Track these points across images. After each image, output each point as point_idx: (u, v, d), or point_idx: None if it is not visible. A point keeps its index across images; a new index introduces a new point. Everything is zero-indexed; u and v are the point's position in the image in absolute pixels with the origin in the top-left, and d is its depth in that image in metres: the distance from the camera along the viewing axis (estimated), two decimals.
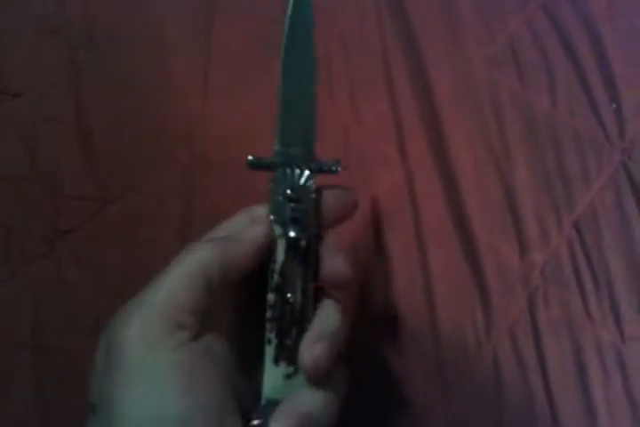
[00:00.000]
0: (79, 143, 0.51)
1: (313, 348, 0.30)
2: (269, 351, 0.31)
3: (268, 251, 0.32)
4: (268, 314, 0.31)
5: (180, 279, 0.29)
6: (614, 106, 0.54)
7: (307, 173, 0.33)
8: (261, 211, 0.33)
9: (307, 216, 0.32)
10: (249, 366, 0.32)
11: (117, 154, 0.51)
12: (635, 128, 0.53)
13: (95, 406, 0.27)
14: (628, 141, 0.52)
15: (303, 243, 0.32)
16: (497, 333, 0.46)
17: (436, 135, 0.53)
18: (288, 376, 0.31)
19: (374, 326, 0.46)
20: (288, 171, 0.33)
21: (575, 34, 0.56)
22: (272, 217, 0.32)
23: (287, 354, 0.31)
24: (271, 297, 0.31)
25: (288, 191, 0.32)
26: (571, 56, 0.56)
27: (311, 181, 0.33)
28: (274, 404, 0.29)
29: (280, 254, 0.32)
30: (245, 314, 0.33)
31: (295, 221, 0.32)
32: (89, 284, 0.46)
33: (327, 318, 0.31)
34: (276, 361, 0.31)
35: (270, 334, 0.31)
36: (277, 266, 0.32)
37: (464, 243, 0.48)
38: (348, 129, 0.54)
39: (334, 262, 0.32)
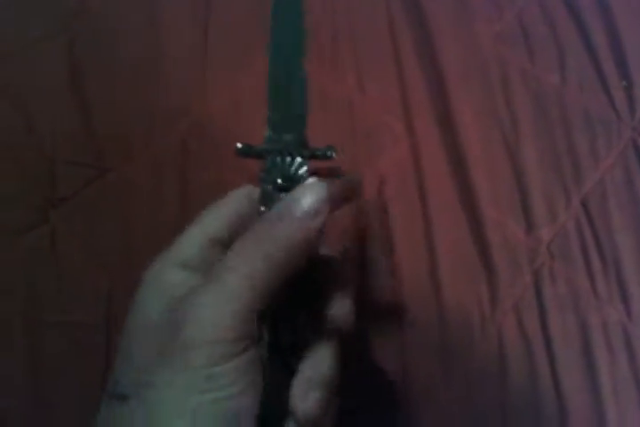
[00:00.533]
0: (75, 113, 0.49)
1: (306, 398, 0.27)
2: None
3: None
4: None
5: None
6: (625, 83, 0.53)
7: (298, 160, 0.30)
8: (251, 191, 0.31)
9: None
10: None
11: (114, 123, 0.50)
12: None
13: (125, 395, 0.25)
14: (638, 119, 0.51)
15: None
16: (502, 309, 0.45)
17: (444, 111, 0.52)
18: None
19: (378, 303, 0.45)
20: (279, 159, 0.30)
21: (586, 10, 0.55)
22: (262, 208, 0.29)
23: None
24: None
25: (279, 180, 0.29)
26: (581, 32, 0.55)
27: (304, 169, 0.30)
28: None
29: None
30: None
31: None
32: (84, 254, 0.45)
33: (321, 363, 0.28)
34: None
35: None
36: None
37: (470, 218, 0.47)
38: (354, 103, 0.52)
39: (344, 303, 0.29)
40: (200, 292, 0.25)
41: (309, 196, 0.27)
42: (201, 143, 0.50)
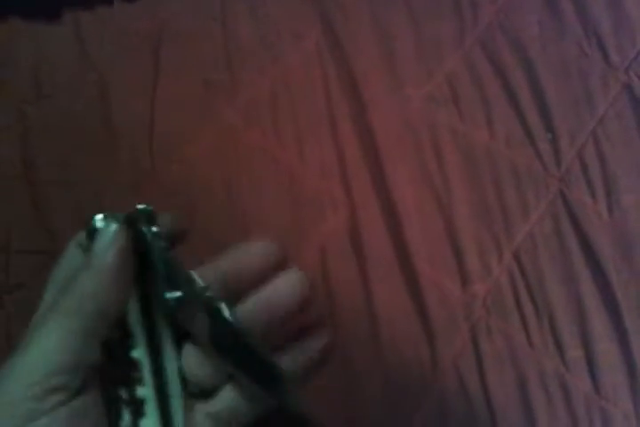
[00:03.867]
0: (26, 199, 0.52)
1: None
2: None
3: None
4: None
5: (52, 340, 0.25)
6: (550, 136, 0.55)
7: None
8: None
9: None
10: None
11: (66, 207, 0.52)
12: (570, 157, 0.54)
13: None
14: (564, 170, 0.54)
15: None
16: (442, 368, 0.47)
17: (379, 175, 0.54)
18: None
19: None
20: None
21: (511, 66, 0.58)
22: None
23: None
24: None
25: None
26: (507, 89, 0.58)
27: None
28: None
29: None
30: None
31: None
32: None
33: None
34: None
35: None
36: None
37: (407, 277, 0.50)
38: (294, 172, 0.55)
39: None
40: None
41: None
42: None
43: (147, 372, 0.27)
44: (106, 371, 0.26)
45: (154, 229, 0.26)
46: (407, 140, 0.56)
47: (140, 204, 0.26)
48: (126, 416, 0.26)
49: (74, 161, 0.54)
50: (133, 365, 0.27)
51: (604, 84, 0.58)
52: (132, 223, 0.26)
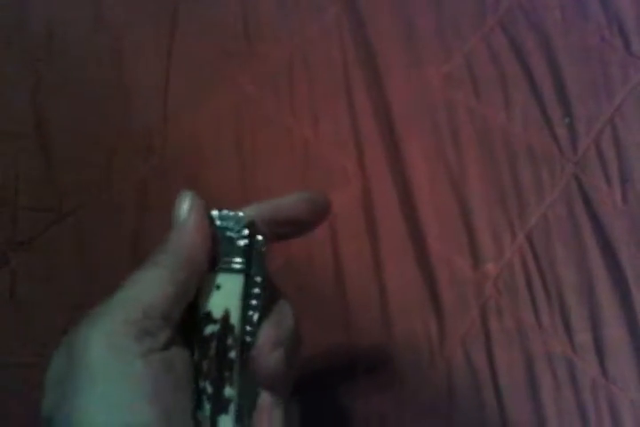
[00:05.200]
0: (37, 156, 0.51)
1: (271, 355, 0.30)
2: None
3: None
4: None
5: (151, 285, 0.28)
6: (568, 120, 0.55)
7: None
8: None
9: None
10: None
11: (75, 166, 0.51)
12: (587, 142, 0.54)
13: (49, 418, 0.26)
14: (580, 155, 0.53)
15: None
16: (450, 343, 0.46)
17: (394, 150, 0.54)
18: None
19: (328, 337, 0.46)
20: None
21: (531, 50, 0.58)
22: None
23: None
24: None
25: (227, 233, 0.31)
26: (526, 72, 0.57)
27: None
28: None
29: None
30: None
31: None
32: (43, 297, 0.46)
33: (283, 322, 0.31)
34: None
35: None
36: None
37: (419, 254, 0.49)
38: (308, 143, 0.54)
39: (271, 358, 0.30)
40: None
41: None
42: (160, 184, 0.52)
43: (236, 374, 0.29)
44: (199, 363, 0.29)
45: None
46: (423, 118, 0.55)
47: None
48: (207, 407, 0.28)
49: (85, 120, 0.54)
50: (228, 365, 0.29)
51: (624, 73, 0.57)
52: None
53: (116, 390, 0.25)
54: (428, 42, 0.59)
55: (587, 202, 0.51)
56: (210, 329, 0.29)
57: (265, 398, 0.30)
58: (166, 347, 0.27)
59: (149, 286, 0.28)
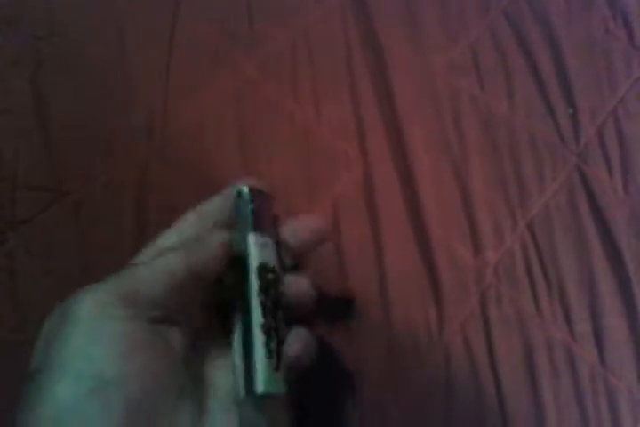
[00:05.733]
0: (37, 135, 0.51)
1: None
2: (259, 347, 0.32)
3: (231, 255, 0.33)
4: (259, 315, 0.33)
5: (148, 275, 0.31)
6: (571, 111, 0.55)
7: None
8: (208, 207, 0.36)
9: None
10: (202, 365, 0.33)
11: (75, 146, 0.51)
12: (590, 133, 0.54)
13: (35, 370, 0.28)
14: (583, 146, 0.53)
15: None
16: (449, 329, 0.46)
17: (396, 136, 0.53)
18: (276, 369, 0.32)
19: (328, 321, 0.46)
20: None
21: (535, 39, 0.58)
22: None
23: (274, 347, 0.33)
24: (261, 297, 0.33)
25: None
26: (530, 61, 0.57)
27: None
28: (268, 396, 0.32)
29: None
30: (211, 315, 0.35)
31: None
32: (41, 274, 0.46)
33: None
34: (270, 355, 0.32)
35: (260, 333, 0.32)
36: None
37: (419, 240, 0.49)
38: (311, 129, 0.54)
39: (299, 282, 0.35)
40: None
41: None
42: (161, 165, 0.52)
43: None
44: None
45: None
46: (426, 105, 0.55)
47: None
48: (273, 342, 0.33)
49: (86, 100, 0.53)
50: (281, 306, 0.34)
51: (628, 65, 0.58)
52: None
53: (96, 344, 0.28)
54: (432, 30, 0.59)
55: (588, 192, 0.51)
56: (270, 276, 0.33)
57: None
58: (153, 321, 0.30)
59: (145, 277, 0.31)
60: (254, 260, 0.33)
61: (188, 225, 0.35)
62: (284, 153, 0.53)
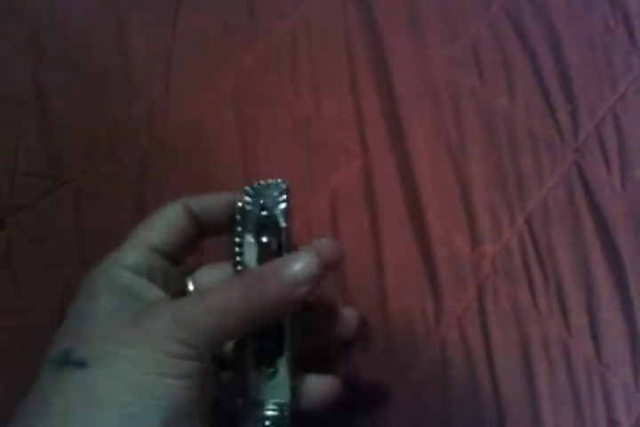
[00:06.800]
0: (37, 123, 0.51)
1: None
2: (249, 354, 0.33)
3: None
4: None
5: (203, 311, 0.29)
6: (570, 107, 0.55)
7: (277, 181, 0.35)
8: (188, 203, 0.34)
9: (278, 221, 0.34)
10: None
11: (75, 135, 0.51)
12: (588, 129, 0.54)
13: (83, 362, 0.27)
14: (581, 142, 0.53)
15: (274, 246, 0.33)
16: (446, 322, 0.46)
17: (396, 129, 0.53)
18: (269, 378, 0.33)
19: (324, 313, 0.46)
20: (262, 182, 0.35)
21: (535, 35, 0.58)
22: (239, 228, 0.34)
23: (267, 357, 0.33)
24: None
25: (261, 200, 0.34)
26: (530, 57, 0.57)
27: (282, 189, 0.34)
28: (259, 404, 0.32)
29: (252, 261, 0.33)
30: None
31: (266, 227, 0.33)
32: (39, 261, 0.46)
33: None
34: (258, 364, 0.33)
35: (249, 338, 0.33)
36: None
37: (418, 232, 0.49)
38: (310, 121, 0.54)
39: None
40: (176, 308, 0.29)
41: (301, 265, 0.30)
42: (160, 156, 0.52)
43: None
44: None
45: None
46: (426, 99, 0.55)
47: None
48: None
49: (87, 89, 0.53)
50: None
51: (627, 63, 0.58)
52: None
53: (116, 326, 0.28)
54: (433, 24, 0.59)
55: (586, 188, 0.51)
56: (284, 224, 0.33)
57: None
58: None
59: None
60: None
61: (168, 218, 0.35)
62: (284, 145, 0.53)
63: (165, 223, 0.33)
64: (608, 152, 0.53)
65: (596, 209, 0.51)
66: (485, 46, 0.58)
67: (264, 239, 0.33)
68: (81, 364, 0.27)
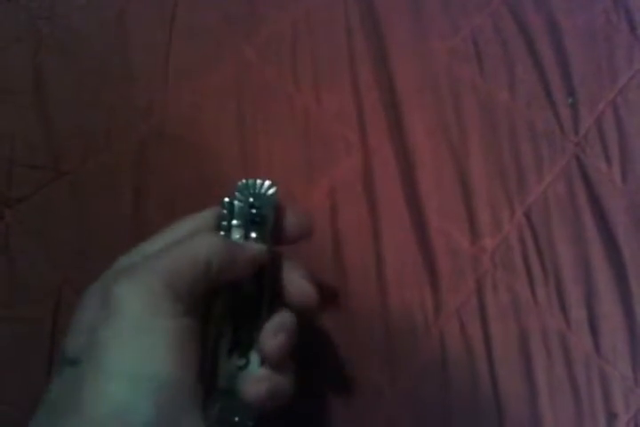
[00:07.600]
0: (36, 113, 0.50)
1: (275, 337, 0.32)
2: (224, 344, 0.33)
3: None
4: (222, 308, 0.33)
5: (185, 256, 0.30)
6: (571, 100, 0.55)
7: (267, 183, 0.36)
8: (208, 215, 0.35)
9: (266, 221, 0.35)
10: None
11: (74, 125, 0.51)
12: (589, 122, 0.54)
13: (75, 360, 0.28)
14: (581, 135, 0.53)
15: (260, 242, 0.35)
16: (445, 314, 0.46)
17: (396, 122, 0.53)
18: (240, 368, 0.33)
19: (324, 304, 0.46)
20: (251, 181, 0.36)
21: (536, 30, 0.58)
22: (235, 222, 0.34)
23: (240, 347, 0.33)
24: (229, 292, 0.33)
25: (250, 199, 0.35)
26: (531, 51, 0.57)
27: (272, 191, 0.35)
28: (227, 393, 0.32)
29: None
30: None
31: (255, 224, 0.35)
32: (37, 252, 0.46)
33: (285, 315, 0.34)
34: (230, 354, 0.33)
35: (225, 328, 0.33)
36: None
37: (417, 226, 0.49)
38: (310, 113, 0.54)
39: (300, 284, 0.35)
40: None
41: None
42: (159, 147, 0.51)
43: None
44: None
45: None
46: (427, 92, 0.55)
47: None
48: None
49: (85, 80, 0.53)
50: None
51: (629, 56, 0.57)
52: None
53: (148, 343, 0.27)
54: (434, 16, 0.59)
55: (586, 181, 0.51)
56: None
57: None
58: (186, 314, 0.29)
59: (183, 259, 0.30)
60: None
61: (173, 232, 0.34)
62: (284, 136, 0.53)
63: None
64: (608, 146, 0.53)
65: (595, 203, 0.50)
66: (486, 39, 0.58)
67: (253, 235, 0.34)
68: (73, 361, 0.28)
